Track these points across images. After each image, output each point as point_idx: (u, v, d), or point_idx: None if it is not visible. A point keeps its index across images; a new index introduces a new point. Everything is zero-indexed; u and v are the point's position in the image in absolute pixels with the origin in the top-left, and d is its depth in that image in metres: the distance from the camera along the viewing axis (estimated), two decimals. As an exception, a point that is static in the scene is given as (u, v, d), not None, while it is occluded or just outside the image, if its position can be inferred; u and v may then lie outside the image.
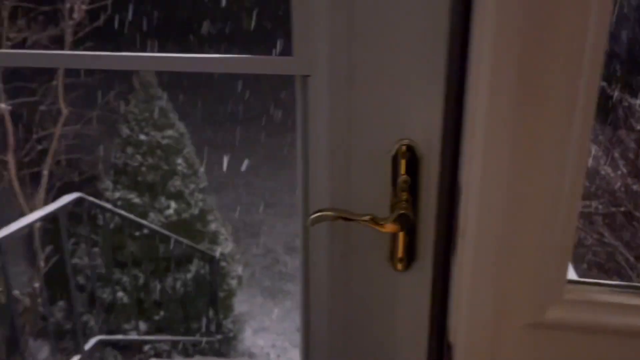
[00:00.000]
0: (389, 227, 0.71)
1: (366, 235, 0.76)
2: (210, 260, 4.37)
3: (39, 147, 3.50)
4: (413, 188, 0.71)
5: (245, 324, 5.20)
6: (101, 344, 2.88)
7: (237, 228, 6.78)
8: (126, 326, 4.08)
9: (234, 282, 4.75)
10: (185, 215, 4.28)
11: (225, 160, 7.79)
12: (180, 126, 4.39)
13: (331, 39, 0.66)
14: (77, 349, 2.60)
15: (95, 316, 3.66)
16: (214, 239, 4.60)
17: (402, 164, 0.70)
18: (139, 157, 4.12)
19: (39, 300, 2.86)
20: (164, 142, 4.22)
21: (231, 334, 4.70)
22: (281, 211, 8.20)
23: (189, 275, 4.20)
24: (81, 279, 4.32)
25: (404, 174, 0.71)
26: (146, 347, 4.16)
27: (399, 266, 0.75)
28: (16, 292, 2.17)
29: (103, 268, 4.02)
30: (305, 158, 0.76)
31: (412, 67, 0.66)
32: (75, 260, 4.33)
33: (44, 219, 2.29)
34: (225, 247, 4.68)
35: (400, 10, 0.64)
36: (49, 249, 3.10)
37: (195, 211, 4.37)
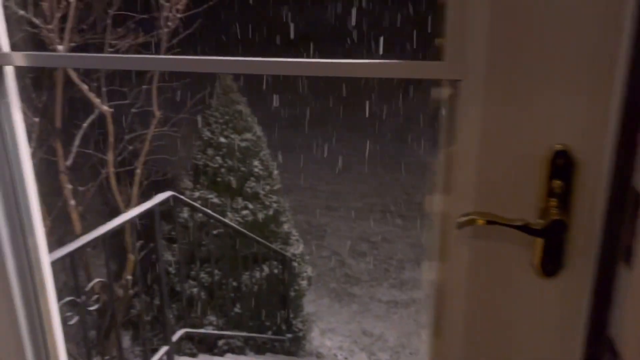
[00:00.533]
0: (542, 233, 0.72)
1: (509, 240, 0.77)
2: (283, 260, 4.47)
3: (130, 147, 3.73)
4: (565, 194, 0.72)
5: (313, 324, 5.28)
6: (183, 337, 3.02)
7: (302, 230, 6.90)
8: (202, 321, 4.24)
9: (304, 283, 4.84)
10: (260, 215, 4.39)
11: (290, 162, 7.90)
12: (258, 129, 4.52)
13: (489, 43, 0.68)
14: (165, 340, 2.74)
15: (182, 310, 3.84)
16: (286, 239, 4.70)
17: (556, 169, 0.71)
18: (218, 159, 4.28)
19: (130, 291, 3.05)
20: (243, 144, 4.35)
21: (300, 334, 4.78)
22: (345, 214, 8.25)
23: (263, 274, 4.31)
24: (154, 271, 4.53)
25: (557, 180, 0.71)
26: (220, 342, 4.30)
27: (545, 273, 0.76)
28: (102, 280, 2.31)
29: (182, 263, 4.21)
30: (448, 161, 0.78)
31: (577, 72, 0.66)
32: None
33: (140, 215, 2.43)
34: (296, 247, 4.78)
35: (567, 13, 0.64)
36: (138, 243, 3.28)
37: (270, 212, 4.48)
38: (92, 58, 0.99)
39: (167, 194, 2.62)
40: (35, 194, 1.05)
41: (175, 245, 4.20)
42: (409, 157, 10.94)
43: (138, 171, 3.18)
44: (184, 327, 3.68)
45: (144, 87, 3.76)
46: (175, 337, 2.80)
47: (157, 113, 3.40)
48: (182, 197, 2.75)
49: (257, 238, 3.95)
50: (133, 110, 3.76)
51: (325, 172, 9.85)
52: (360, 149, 10.65)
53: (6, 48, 0.94)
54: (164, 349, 2.71)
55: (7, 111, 0.95)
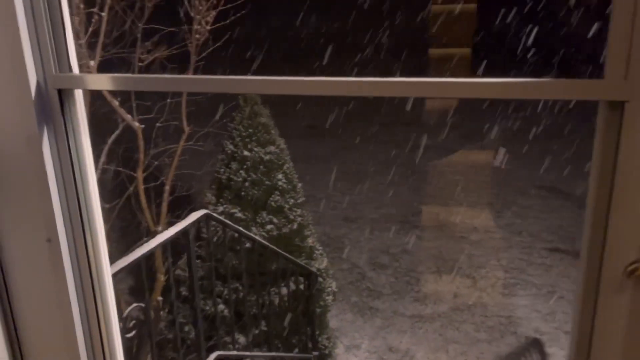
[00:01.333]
0: None
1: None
2: (308, 275, 4.36)
3: (155, 163, 3.65)
4: None
5: (337, 340, 5.16)
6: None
7: (321, 242, 6.80)
8: (226, 339, 4.14)
9: (329, 298, 4.73)
10: (285, 230, 4.30)
11: (305, 173, 7.83)
12: (281, 142, 4.44)
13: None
14: (200, 363, 2.65)
15: (215, 331, 3.74)
16: (310, 254, 4.61)
17: None
18: (242, 173, 4.20)
19: (161, 313, 2.95)
20: (266, 157, 4.27)
21: (327, 351, 4.67)
22: (363, 226, 8.14)
23: (288, 290, 4.20)
24: (184, 290, 4.44)
25: None
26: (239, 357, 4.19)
27: None
28: (141, 305, 2.21)
29: (207, 281, 4.11)
30: (602, 200, 0.67)
31: None
32: (179, 272, 4.47)
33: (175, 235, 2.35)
34: (320, 262, 4.67)
35: None
36: (167, 262, 3.19)
37: (294, 226, 4.39)
38: (165, 80, 0.90)
39: (201, 212, 2.53)
40: (99, 211, 0.97)
41: (199, 263, 4.12)
42: (422, 165, 10.84)
43: (167, 187, 3.10)
44: (211, 348, 3.58)
45: (169, 100, 3.69)
46: (208, 360, 2.70)
47: (187, 128, 3.33)
48: (215, 215, 2.66)
49: (286, 254, 3.86)
50: (157, 124, 3.69)
51: (341, 182, 9.76)
52: (376, 158, 10.57)
53: (76, 70, 0.86)
54: (197, 374, 2.61)
55: (78, 132, 0.87)
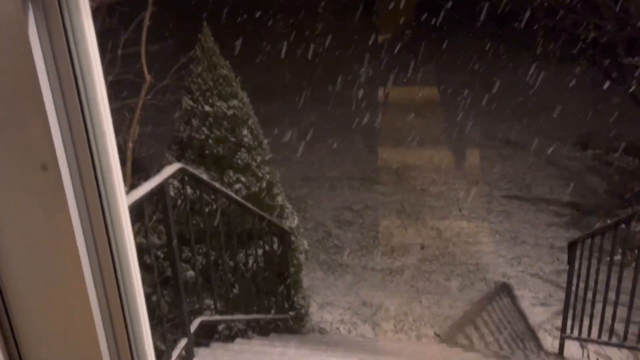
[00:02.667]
0: None
1: None
2: (282, 234, 4.19)
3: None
4: None
5: (310, 298, 5.05)
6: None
7: (283, 203, 6.62)
8: (197, 306, 3.94)
9: (302, 257, 4.59)
10: (254, 189, 4.08)
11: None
12: (244, 95, 4.16)
13: None
14: (184, 332, 2.44)
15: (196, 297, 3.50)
16: (280, 213, 4.42)
17: None
18: (205, 130, 3.91)
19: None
20: (229, 112, 3.99)
21: (302, 310, 4.55)
22: (323, 184, 8.01)
23: (261, 251, 4.02)
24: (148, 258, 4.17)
25: None
26: (221, 327, 4.01)
27: None
28: None
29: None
30: None
31: None
32: (141, 240, 4.18)
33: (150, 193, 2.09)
34: (292, 221, 4.50)
35: None
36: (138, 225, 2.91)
37: (263, 184, 4.17)
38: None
39: (175, 166, 2.28)
40: (110, 124, 0.74)
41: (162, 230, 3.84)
42: (378, 123, 10.75)
43: (130, 145, 2.80)
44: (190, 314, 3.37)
45: (119, 52, 3.32)
46: (193, 327, 2.50)
47: (148, 77, 2.99)
48: (192, 170, 2.41)
49: (261, 212, 3.65)
50: (110, 78, 3.32)
51: (297, 143, 9.54)
52: (330, 117, 10.38)
53: None
54: (183, 342, 2.41)
55: (77, 15, 0.62)
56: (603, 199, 7.36)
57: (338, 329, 4.84)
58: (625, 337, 3.06)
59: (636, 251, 2.84)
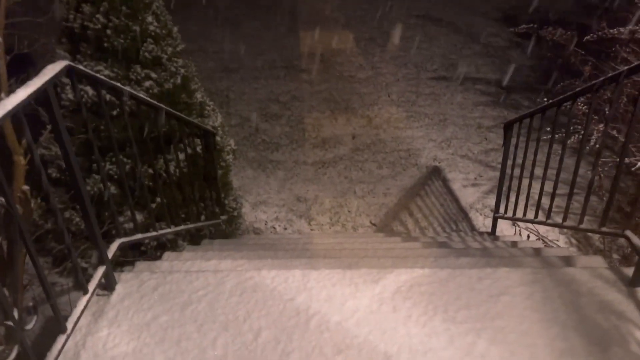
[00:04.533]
0: None
1: None
2: (205, 135, 3.80)
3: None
4: None
5: (242, 199, 4.81)
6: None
7: (203, 98, 6.09)
8: (120, 219, 3.59)
9: (229, 158, 4.25)
10: (167, 86, 3.59)
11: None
12: (143, -27, 3.49)
13: None
14: (100, 259, 2.12)
15: (108, 216, 3.13)
16: (201, 111, 3.98)
17: None
18: (100, 18, 3.28)
19: (33, 205, 2.29)
20: (128, -5, 3.35)
21: (235, 213, 4.31)
22: (245, 75, 7.46)
23: (186, 155, 3.63)
24: (54, 173, 3.69)
25: None
26: (147, 239, 3.70)
27: None
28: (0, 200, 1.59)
29: (83, 158, 3.41)
30: None
31: None
32: (42, 151, 3.66)
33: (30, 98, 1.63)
34: (214, 119, 4.09)
35: None
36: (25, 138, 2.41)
37: (178, 80, 3.68)
38: None
39: (60, 64, 1.79)
40: None
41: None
42: (303, 5, 10.03)
43: (0, 39, 2.21)
44: (106, 235, 3.02)
45: None
46: (111, 253, 2.17)
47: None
48: (83, 68, 1.93)
49: (177, 112, 3.21)
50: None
51: (213, 30, 8.73)
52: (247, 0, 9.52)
53: None
54: (100, 270, 2.09)
55: None
56: (526, 75, 7.40)
57: (274, 227, 4.69)
58: (549, 215, 3.09)
59: (564, 129, 2.76)
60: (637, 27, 3.68)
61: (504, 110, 6.54)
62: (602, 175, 4.06)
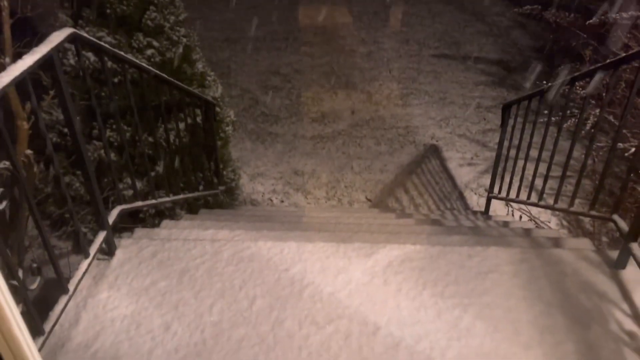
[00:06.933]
0: None
1: None
2: (205, 105, 3.82)
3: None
4: None
5: (240, 170, 4.86)
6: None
7: (203, 68, 6.07)
8: (120, 186, 3.63)
9: (229, 129, 4.28)
10: (169, 55, 3.59)
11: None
12: (146, -63, 3.46)
13: None
14: (101, 224, 2.17)
15: (109, 183, 3.17)
16: (202, 81, 4.00)
17: None
18: (103, -17, 3.27)
19: (35, 169, 2.32)
20: (130, -40, 3.33)
21: (233, 184, 4.36)
22: (247, 46, 7.42)
23: (186, 125, 3.66)
24: (55, 137, 3.72)
25: None
26: (144, 208, 3.76)
27: None
28: (5, 162, 1.63)
29: (84, 124, 3.43)
30: None
31: None
32: (44, 116, 3.67)
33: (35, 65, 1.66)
34: (215, 90, 4.10)
35: None
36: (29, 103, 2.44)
37: (180, 49, 3.68)
38: None
39: (65, 32, 1.81)
40: None
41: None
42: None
43: (5, 3, 2.22)
44: (106, 201, 3.08)
45: None
46: (112, 219, 2.22)
47: None
48: (87, 36, 1.94)
49: (178, 82, 3.22)
50: None
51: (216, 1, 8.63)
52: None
53: None
54: (101, 235, 2.15)
55: None
56: (528, 55, 7.38)
57: (270, 199, 4.75)
58: (541, 197, 3.16)
59: (561, 113, 2.79)
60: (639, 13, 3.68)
61: (504, 91, 6.55)
62: (595, 159, 4.11)
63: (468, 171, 5.17)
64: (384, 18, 8.45)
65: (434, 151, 5.47)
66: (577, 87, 4.05)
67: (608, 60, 2.25)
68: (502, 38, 7.93)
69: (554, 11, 4.52)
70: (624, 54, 2.12)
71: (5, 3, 2.14)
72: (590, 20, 4.10)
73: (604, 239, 4.07)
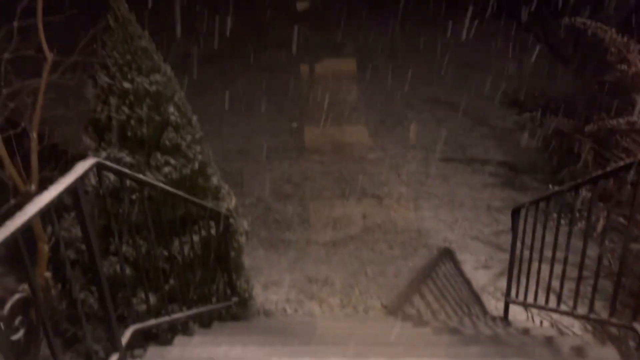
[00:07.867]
0: None
1: None
2: (218, 218, 3.91)
3: (11, 105, 2.81)
4: None
5: (253, 279, 4.85)
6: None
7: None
8: (134, 301, 3.63)
9: (242, 239, 4.34)
10: (185, 171, 3.75)
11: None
12: (167, 69, 3.77)
13: None
14: (114, 345, 2.16)
15: (122, 300, 3.19)
16: (216, 194, 4.13)
17: None
18: (125, 109, 3.51)
19: (53, 292, 2.37)
20: (152, 88, 3.60)
21: (246, 294, 4.34)
22: (259, 157, 7.71)
23: (199, 237, 3.74)
24: (72, 254, 3.79)
25: None
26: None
27: None
28: (24, 286, 1.67)
29: (101, 241, 3.51)
30: None
31: None
32: (63, 234, 3.77)
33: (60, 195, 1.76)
34: (229, 201, 4.22)
35: None
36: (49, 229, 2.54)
37: (195, 165, 3.85)
38: None
39: (90, 161, 1.94)
40: None
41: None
42: (311, 91, 10.49)
43: (34, 135, 2.40)
44: (120, 319, 3.07)
45: (15, 24, 2.84)
46: (125, 339, 2.22)
47: (49, 54, 2.55)
48: (109, 164, 2.08)
49: (193, 198, 3.35)
50: (6, 55, 2.83)
51: (229, 113, 9.11)
52: (262, 85, 9.98)
53: None
54: (114, 357, 2.13)
55: None
56: (535, 157, 7.55)
57: (284, 309, 4.68)
58: (559, 301, 3.10)
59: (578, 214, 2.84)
60: (635, 119, 3.84)
61: (513, 192, 6.63)
62: (611, 261, 4.07)
63: (483, 274, 5.10)
64: (390, 126, 8.80)
65: (448, 254, 5.45)
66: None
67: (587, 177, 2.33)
68: (505, 140, 8.17)
69: (552, 116, 4.71)
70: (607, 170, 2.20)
71: (35, 135, 2.31)
72: (589, 127, 4.27)
73: (631, 343, 3.91)
